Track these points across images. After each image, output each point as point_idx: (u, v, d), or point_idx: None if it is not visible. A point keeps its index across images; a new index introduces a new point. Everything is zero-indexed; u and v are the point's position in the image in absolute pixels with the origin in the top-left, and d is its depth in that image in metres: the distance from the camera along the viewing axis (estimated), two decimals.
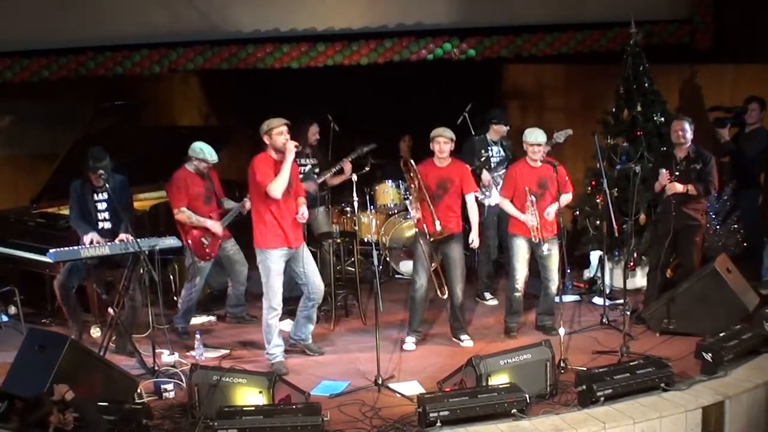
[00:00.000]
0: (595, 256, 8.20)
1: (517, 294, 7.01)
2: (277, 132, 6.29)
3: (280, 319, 6.60)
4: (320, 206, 8.05)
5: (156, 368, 6.29)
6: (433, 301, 7.46)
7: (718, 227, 8.06)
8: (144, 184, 8.29)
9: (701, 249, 7.27)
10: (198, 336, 6.81)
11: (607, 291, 7.69)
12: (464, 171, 6.96)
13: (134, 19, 8.84)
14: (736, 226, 8.08)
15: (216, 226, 7.09)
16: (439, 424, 5.33)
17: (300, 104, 8.42)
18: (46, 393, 4.83)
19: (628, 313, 6.93)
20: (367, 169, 8.66)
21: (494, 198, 7.85)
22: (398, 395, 5.96)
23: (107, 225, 6.73)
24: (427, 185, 6.79)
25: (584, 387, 5.61)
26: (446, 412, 5.35)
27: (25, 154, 9.34)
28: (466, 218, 7.02)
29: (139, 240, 6.29)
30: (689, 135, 7.03)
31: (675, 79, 9.13)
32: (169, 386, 6.03)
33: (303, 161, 7.95)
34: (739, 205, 8.12)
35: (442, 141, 6.78)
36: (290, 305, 7.02)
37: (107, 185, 6.53)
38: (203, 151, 7.03)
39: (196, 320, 7.50)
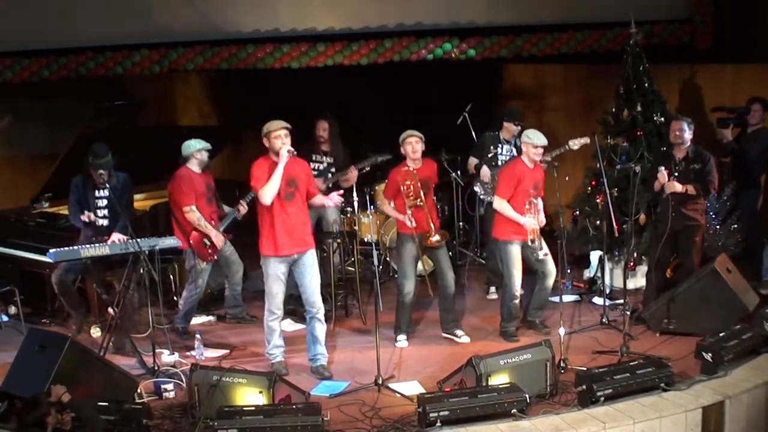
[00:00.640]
0: (595, 256, 8.20)
1: (516, 301, 6.99)
2: (275, 136, 6.18)
3: (281, 319, 6.59)
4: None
5: (156, 368, 6.28)
6: (431, 302, 7.48)
7: (718, 227, 8.06)
8: (144, 184, 8.29)
9: (701, 249, 7.27)
10: (198, 336, 6.81)
11: (607, 291, 7.69)
12: (435, 166, 7.07)
13: (134, 19, 8.85)
14: (736, 226, 8.08)
15: (219, 239, 7.07)
16: (439, 424, 5.33)
17: (300, 104, 8.42)
18: (44, 393, 4.83)
19: (628, 313, 6.92)
20: (367, 169, 8.66)
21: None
22: (398, 395, 5.96)
23: (105, 222, 6.72)
24: (416, 189, 6.79)
25: (584, 387, 5.61)
26: (446, 412, 5.34)
27: (25, 154, 9.35)
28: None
29: (139, 240, 6.29)
30: (687, 135, 7.03)
31: (675, 79, 9.13)
32: (169, 386, 6.03)
33: (318, 158, 7.90)
34: (739, 206, 8.12)
35: (414, 141, 6.80)
36: (290, 305, 7.02)
37: (108, 183, 6.53)
38: (196, 143, 7.04)
39: (196, 320, 7.50)
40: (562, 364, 6.12)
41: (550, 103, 10.65)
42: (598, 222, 8.04)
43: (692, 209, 7.05)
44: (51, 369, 5.28)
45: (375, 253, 6.76)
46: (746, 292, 6.97)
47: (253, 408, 5.36)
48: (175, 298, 7.66)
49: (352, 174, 7.89)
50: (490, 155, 8.04)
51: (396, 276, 8.77)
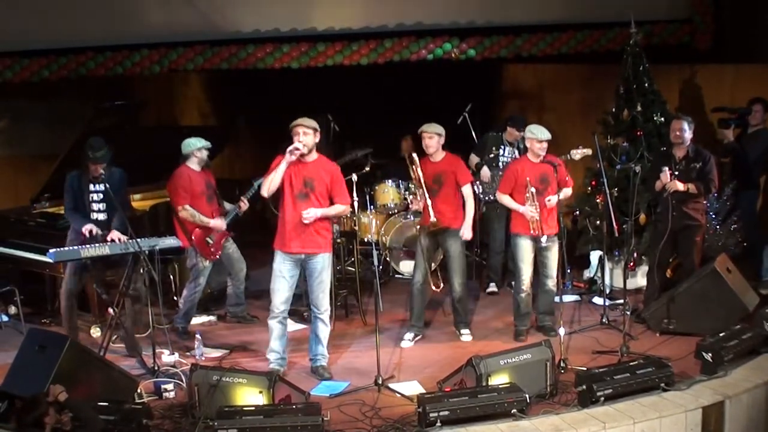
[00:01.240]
0: (595, 256, 8.20)
1: (524, 294, 7.00)
2: (293, 132, 6.11)
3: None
4: None
5: (156, 368, 6.28)
6: (434, 301, 7.48)
7: (718, 227, 8.05)
8: (144, 184, 8.29)
9: (701, 249, 7.27)
10: (198, 336, 6.81)
11: (607, 291, 7.69)
12: (458, 163, 7.04)
13: (134, 19, 8.84)
14: (736, 226, 8.07)
15: (219, 224, 7.09)
16: (439, 424, 5.33)
17: (300, 104, 8.42)
18: (42, 393, 4.83)
19: (628, 313, 6.93)
20: (367, 169, 8.66)
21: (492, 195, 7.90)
22: (398, 395, 5.96)
23: (102, 216, 6.66)
24: (425, 180, 6.90)
25: (584, 387, 5.61)
26: (446, 412, 5.34)
27: (25, 154, 9.35)
28: None
29: (139, 240, 6.28)
30: (687, 135, 7.03)
31: (675, 79, 9.13)
32: (169, 386, 6.03)
33: None
34: (738, 206, 8.12)
35: (427, 136, 6.91)
36: (290, 305, 7.01)
37: (104, 175, 6.50)
38: (196, 141, 7.06)
39: (196, 320, 7.50)
40: (562, 364, 6.12)
41: (550, 103, 10.65)
42: (598, 222, 8.05)
43: (693, 209, 7.05)
44: (51, 369, 5.28)
45: (375, 253, 6.76)
46: (746, 292, 6.97)
47: (253, 408, 5.36)
48: (175, 298, 7.66)
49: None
50: (491, 155, 8.06)
51: (396, 276, 8.85)
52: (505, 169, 7.25)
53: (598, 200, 8.11)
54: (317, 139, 6.17)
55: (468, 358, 5.79)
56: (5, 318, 7.55)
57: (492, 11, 9.86)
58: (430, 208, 6.81)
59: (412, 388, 6.06)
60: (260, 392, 5.55)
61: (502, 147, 8.05)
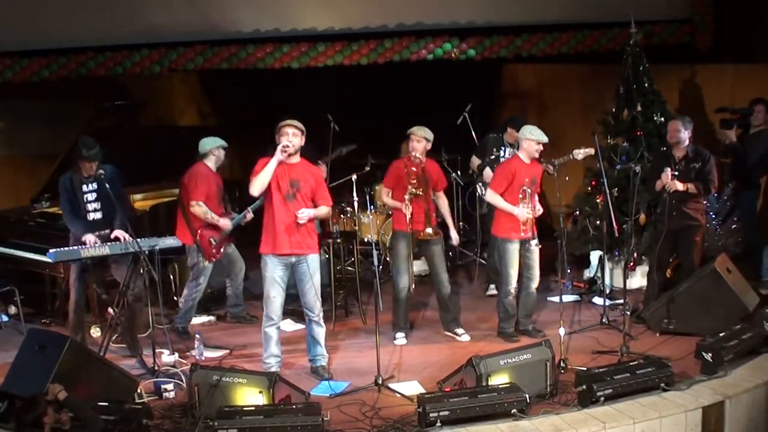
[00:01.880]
0: (595, 256, 8.20)
1: (510, 298, 7.00)
2: (281, 132, 6.13)
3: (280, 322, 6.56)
4: None
5: (156, 368, 6.29)
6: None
7: (718, 227, 8.06)
8: (144, 183, 8.29)
9: (701, 249, 7.27)
10: (198, 336, 6.81)
11: (607, 291, 7.69)
12: (438, 169, 7.10)
13: (134, 19, 8.84)
14: (735, 226, 8.07)
15: (227, 224, 7.09)
16: (439, 424, 5.33)
17: (300, 104, 8.43)
18: (42, 393, 4.83)
19: (628, 313, 6.93)
20: (367, 169, 8.66)
21: None
22: (398, 395, 5.96)
23: (98, 215, 6.64)
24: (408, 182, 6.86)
25: (584, 387, 5.61)
26: (446, 412, 5.34)
27: (25, 154, 9.35)
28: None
29: (139, 240, 6.28)
30: (683, 135, 7.02)
31: (675, 79, 9.13)
32: (169, 386, 6.03)
33: None
34: (738, 206, 8.12)
35: (415, 139, 6.91)
36: (289, 304, 7.01)
37: (99, 172, 6.47)
38: (214, 140, 7.09)
39: (196, 320, 7.50)
40: (562, 364, 6.12)
41: (550, 103, 10.66)
42: (598, 222, 8.05)
43: (692, 209, 7.05)
44: (51, 369, 5.28)
45: (375, 253, 6.76)
46: (746, 292, 6.97)
47: (253, 408, 5.36)
48: (175, 297, 7.66)
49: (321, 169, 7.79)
50: (492, 157, 8.06)
51: None
52: (498, 168, 7.20)
53: (598, 200, 8.11)
54: (302, 142, 6.20)
55: (468, 358, 5.79)
56: (5, 318, 7.55)
57: (492, 11, 9.86)
58: (428, 215, 6.79)
59: (412, 388, 6.06)
60: (260, 392, 5.55)
61: (503, 148, 8.05)
